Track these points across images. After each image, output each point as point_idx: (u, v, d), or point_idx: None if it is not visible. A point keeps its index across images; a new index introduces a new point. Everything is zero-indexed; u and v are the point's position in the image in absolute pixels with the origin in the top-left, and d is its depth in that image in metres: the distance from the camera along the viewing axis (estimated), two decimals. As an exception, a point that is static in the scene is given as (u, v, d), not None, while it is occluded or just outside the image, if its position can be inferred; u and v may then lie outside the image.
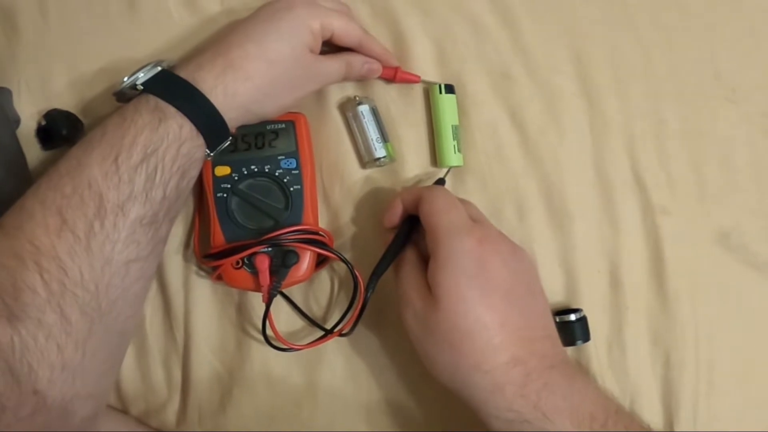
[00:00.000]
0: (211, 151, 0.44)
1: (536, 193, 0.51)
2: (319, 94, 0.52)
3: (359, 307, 0.46)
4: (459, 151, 0.50)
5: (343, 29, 0.47)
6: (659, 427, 0.49)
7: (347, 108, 0.51)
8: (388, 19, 0.52)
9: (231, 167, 0.48)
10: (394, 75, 0.50)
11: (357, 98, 0.50)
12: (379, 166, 0.51)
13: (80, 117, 0.51)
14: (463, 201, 0.45)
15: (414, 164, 0.51)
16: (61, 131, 0.49)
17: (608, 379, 0.49)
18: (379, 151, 0.50)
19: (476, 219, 0.44)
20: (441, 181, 0.49)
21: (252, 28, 0.44)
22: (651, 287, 0.50)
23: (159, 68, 0.43)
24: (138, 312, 0.44)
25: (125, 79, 0.43)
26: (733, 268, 0.50)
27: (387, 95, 0.52)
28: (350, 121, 0.51)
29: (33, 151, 0.51)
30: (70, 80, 0.52)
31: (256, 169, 0.48)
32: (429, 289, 0.41)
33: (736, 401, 0.49)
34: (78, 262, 0.38)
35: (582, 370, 0.49)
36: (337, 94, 0.52)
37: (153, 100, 0.41)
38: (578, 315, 0.48)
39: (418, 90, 0.52)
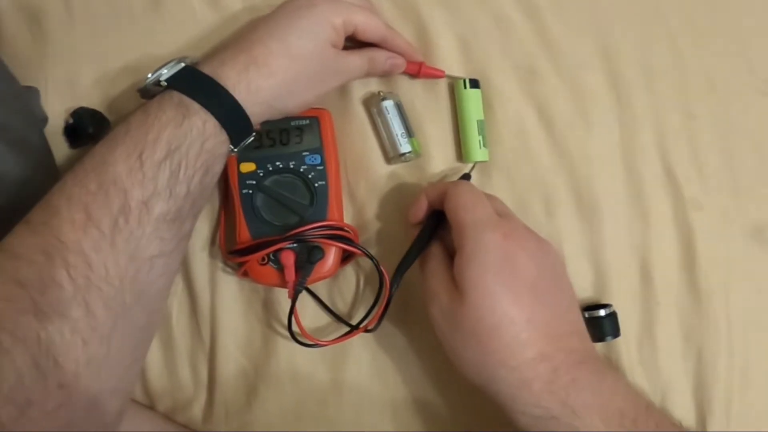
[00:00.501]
0: (235, 147, 0.44)
1: (564, 188, 0.50)
2: (343, 90, 0.52)
3: (384, 302, 0.46)
4: (485, 146, 0.49)
5: (365, 24, 0.47)
6: (691, 424, 0.48)
7: (371, 103, 0.51)
8: (412, 13, 0.52)
9: (256, 164, 0.48)
10: (418, 70, 0.50)
11: (381, 93, 0.50)
12: (405, 161, 0.51)
13: (106, 115, 0.51)
14: (489, 196, 0.45)
15: (439, 159, 0.51)
16: (87, 129, 0.49)
17: (639, 375, 0.48)
18: (405, 146, 0.49)
19: (502, 214, 0.44)
20: (466, 176, 0.48)
21: (274, 24, 0.44)
22: (683, 282, 0.49)
23: (182, 65, 0.43)
24: (162, 307, 0.44)
25: (149, 75, 0.43)
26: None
27: (411, 90, 0.51)
28: (375, 116, 0.51)
29: (61, 150, 0.51)
30: (96, 78, 0.52)
31: (281, 166, 0.48)
32: (455, 284, 0.41)
33: (771, 398, 0.48)
34: (103, 258, 0.38)
35: (611, 366, 0.48)
36: (361, 89, 0.52)
37: (177, 96, 0.41)
38: (608, 310, 0.48)
39: (443, 85, 0.51)
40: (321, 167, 0.48)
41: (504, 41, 0.51)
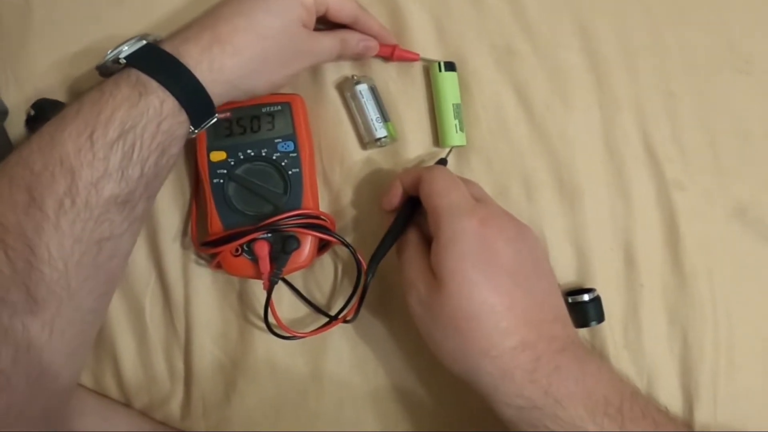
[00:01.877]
0: (195, 128, 0.42)
1: (544, 171, 0.49)
2: (316, 74, 0.50)
3: (361, 292, 0.45)
4: (461, 130, 0.48)
5: (338, 4, 0.46)
6: (678, 408, 0.48)
7: (345, 88, 0.50)
8: (384, -6, 0.51)
9: (227, 152, 0.47)
10: (391, 53, 0.49)
11: (355, 77, 0.49)
12: (380, 146, 0.49)
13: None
14: (465, 180, 0.44)
15: (416, 144, 0.50)
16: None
17: (624, 359, 0.48)
18: (380, 131, 0.48)
19: (479, 198, 0.43)
20: (442, 162, 0.47)
21: (242, 1, 0.43)
22: (666, 264, 0.48)
23: (144, 42, 0.42)
24: (111, 289, 0.43)
25: (109, 52, 0.42)
26: (751, 242, 0.49)
27: (386, 73, 0.50)
28: (349, 101, 0.50)
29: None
30: (57, 68, 0.51)
31: (252, 154, 0.47)
32: (433, 272, 0.40)
33: (758, 379, 0.48)
34: (46, 240, 0.37)
35: (595, 352, 0.48)
36: (335, 73, 0.50)
37: (135, 74, 0.40)
38: (592, 295, 0.47)
39: (418, 67, 0.50)
40: (294, 154, 0.47)
41: (480, 21, 0.50)
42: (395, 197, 0.45)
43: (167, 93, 0.40)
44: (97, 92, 0.40)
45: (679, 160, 0.49)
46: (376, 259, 0.44)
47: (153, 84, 0.39)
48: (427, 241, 0.42)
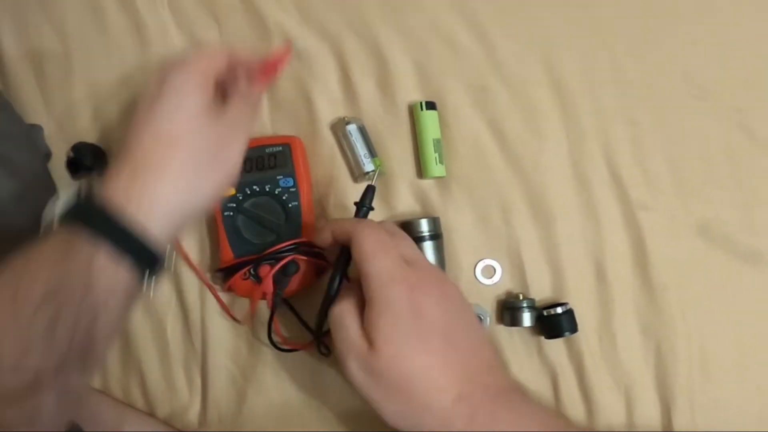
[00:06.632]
0: (147, 273, 0.39)
1: (519, 197, 0.53)
2: (312, 118, 0.55)
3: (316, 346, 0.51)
4: (440, 162, 0.53)
5: (214, 61, 0.43)
6: (656, 416, 0.50)
7: (338, 128, 0.55)
8: (370, 43, 0.55)
9: (236, 188, 0.52)
10: (275, 69, 0.46)
11: (346, 118, 0.54)
12: (370, 179, 0.54)
13: (104, 148, 0.56)
14: (395, 235, 0.46)
15: (401, 176, 0.54)
16: (86, 162, 0.53)
17: (602, 370, 0.51)
18: (368, 166, 0.53)
19: (408, 258, 0.43)
20: (371, 189, 0.49)
21: (139, 111, 0.41)
22: (636, 280, 0.52)
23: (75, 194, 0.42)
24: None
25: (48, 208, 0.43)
26: (716, 257, 0.51)
27: (374, 112, 0.55)
28: (341, 139, 0.55)
29: (66, 181, 0.55)
30: (94, 116, 0.57)
31: (258, 189, 0.52)
32: (367, 336, 0.41)
33: (733, 387, 0.50)
34: None
35: (530, 395, 0.50)
36: (329, 115, 0.55)
37: (66, 231, 0.37)
38: (564, 308, 0.50)
39: (403, 107, 0.55)
40: (294, 189, 0.52)
41: (456, 63, 0.55)
42: (324, 241, 0.47)
43: (97, 246, 0.37)
44: (25, 252, 0.37)
45: (643, 182, 0.52)
46: (321, 318, 0.49)
47: (81, 239, 0.36)
48: (361, 301, 0.43)
